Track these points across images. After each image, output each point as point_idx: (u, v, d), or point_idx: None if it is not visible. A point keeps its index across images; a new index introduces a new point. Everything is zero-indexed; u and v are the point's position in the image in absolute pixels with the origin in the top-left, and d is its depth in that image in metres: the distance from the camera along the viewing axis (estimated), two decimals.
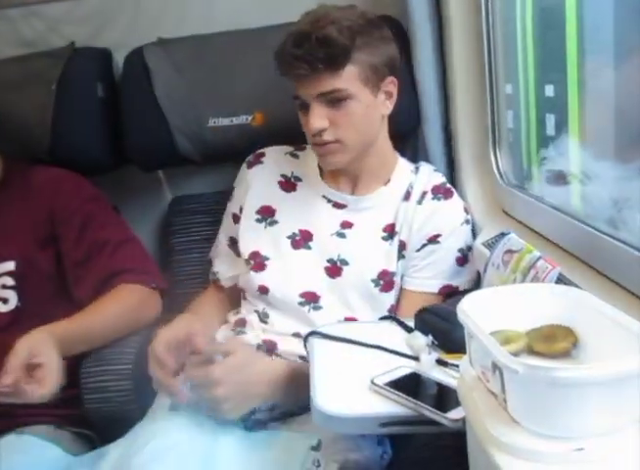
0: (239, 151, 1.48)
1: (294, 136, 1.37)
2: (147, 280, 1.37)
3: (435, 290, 1.31)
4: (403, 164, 1.39)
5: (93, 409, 1.26)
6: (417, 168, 1.38)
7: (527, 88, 1.37)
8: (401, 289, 1.33)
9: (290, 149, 1.44)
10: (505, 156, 1.41)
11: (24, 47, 1.65)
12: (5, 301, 1.35)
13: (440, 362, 0.98)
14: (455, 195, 1.35)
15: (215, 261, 1.46)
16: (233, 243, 1.42)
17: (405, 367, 0.97)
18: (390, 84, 1.27)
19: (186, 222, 1.65)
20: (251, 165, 1.42)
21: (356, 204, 1.35)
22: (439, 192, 1.34)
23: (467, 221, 1.34)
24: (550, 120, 1.30)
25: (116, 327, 1.30)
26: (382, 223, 1.33)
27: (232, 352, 1.09)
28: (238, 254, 1.40)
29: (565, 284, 0.94)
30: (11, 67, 1.58)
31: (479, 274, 1.26)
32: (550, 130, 1.29)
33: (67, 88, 1.55)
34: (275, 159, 1.42)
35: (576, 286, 0.92)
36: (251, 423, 1.13)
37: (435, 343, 1.03)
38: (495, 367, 0.66)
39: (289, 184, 1.39)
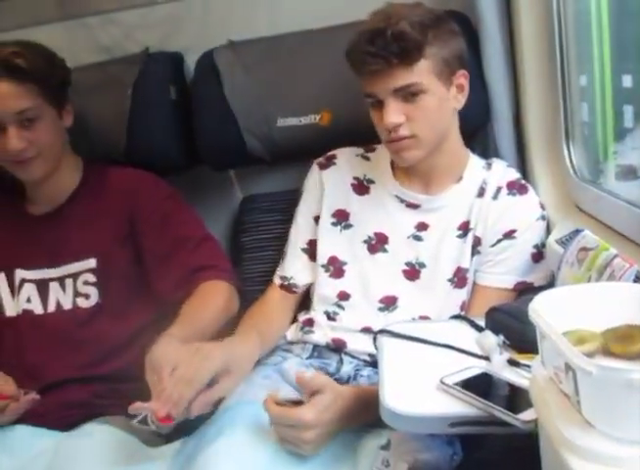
0: (307, 150, 1.49)
1: (360, 134, 1.37)
2: (227, 277, 1.38)
3: (510, 286, 1.30)
4: (475, 161, 1.37)
5: None
6: (489, 165, 1.37)
7: (603, 79, 1.33)
8: (474, 285, 1.32)
9: (360, 151, 1.43)
10: (579, 150, 1.37)
11: (102, 53, 1.71)
12: (87, 296, 1.40)
13: (512, 362, 0.96)
14: (531, 190, 1.34)
15: (287, 265, 1.43)
16: (310, 245, 1.41)
17: (476, 367, 0.96)
18: (462, 77, 1.27)
19: (256, 221, 1.67)
20: (323, 167, 1.42)
21: (430, 203, 1.34)
22: (515, 187, 1.32)
23: (542, 217, 1.32)
24: (628, 112, 1.26)
25: (213, 329, 1.28)
26: (456, 222, 1.32)
27: (321, 390, 1.05)
28: (312, 257, 1.40)
29: None
30: (90, 72, 1.64)
31: (553, 272, 1.23)
32: (628, 122, 1.25)
33: (141, 92, 1.59)
34: (346, 160, 1.42)
35: None
36: None
37: (507, 342, 1.01)
38: (568, 368, 0.64)
39: (362, 187, 1.39)
